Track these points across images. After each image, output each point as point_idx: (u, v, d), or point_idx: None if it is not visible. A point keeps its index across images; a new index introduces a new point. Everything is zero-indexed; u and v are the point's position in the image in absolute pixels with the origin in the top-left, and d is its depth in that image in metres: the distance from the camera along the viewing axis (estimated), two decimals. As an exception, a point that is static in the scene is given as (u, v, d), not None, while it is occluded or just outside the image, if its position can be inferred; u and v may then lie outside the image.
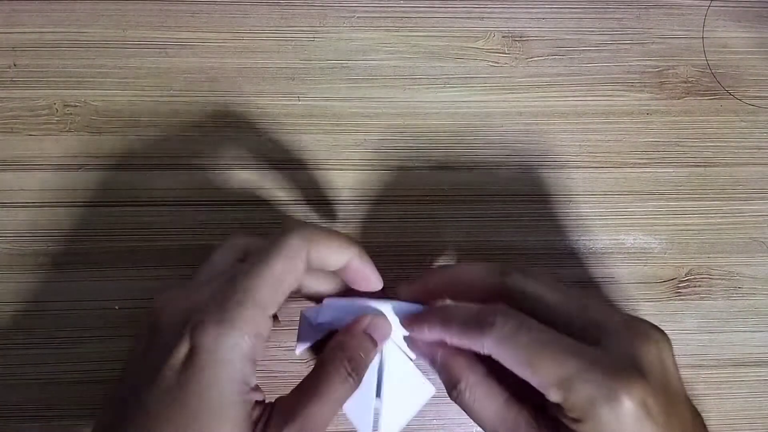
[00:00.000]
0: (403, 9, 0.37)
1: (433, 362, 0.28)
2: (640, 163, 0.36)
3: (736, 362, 0.35)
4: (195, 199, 0.35)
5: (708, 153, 0.37)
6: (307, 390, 0.25)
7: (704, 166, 0.37)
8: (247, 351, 0.23)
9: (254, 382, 0.24)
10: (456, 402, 0.27)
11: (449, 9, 0.37)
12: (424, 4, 0.37)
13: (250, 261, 0.25)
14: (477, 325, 0.25)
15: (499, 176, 0.36)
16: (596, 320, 0.25)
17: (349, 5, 0.37)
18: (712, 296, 0.35)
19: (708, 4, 0.38)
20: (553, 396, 0.23)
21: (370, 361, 0.27)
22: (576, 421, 0.23)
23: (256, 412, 0.24)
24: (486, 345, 0.24)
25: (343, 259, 0.27)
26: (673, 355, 0.25)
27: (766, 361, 0.35)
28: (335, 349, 0.26)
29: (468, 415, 0.26)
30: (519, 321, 0.24)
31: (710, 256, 0.36)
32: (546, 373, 0.23)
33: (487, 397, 0.26)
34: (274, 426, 0.24)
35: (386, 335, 0.28)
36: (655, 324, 0.25)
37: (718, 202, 0.36)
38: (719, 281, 0.36)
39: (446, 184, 0.36)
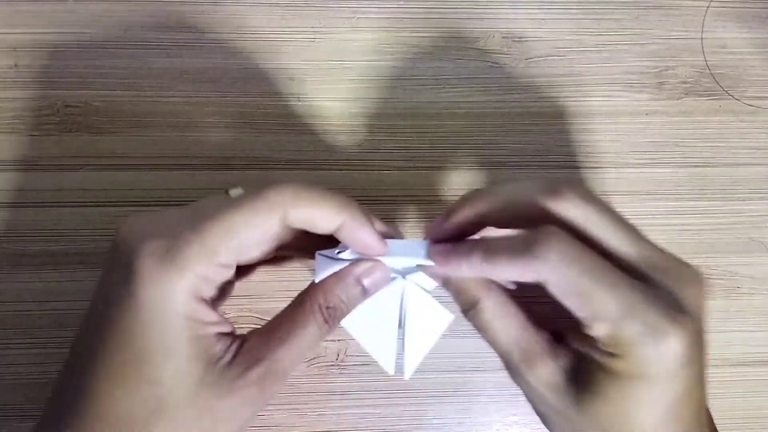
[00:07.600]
0: (403, 9, 0.37)
1: (447, 283, 0.26)
2: (639, 163, 0.36)
3: (736, 362, 0.35)
4: (195, 199, 0.34)
5: (707, 153, 0.37)
6: (278, 332, 0.24)
7: (703, 166, 0.37)
8: (191, 288, 0.22)
9: (213, 317, 0.23)
10: (472, 321, 0.26)
11: (449, 9, 0.37)
12: (425, 4, 0.37)
13: (220, 205, 0.23)
14: (527, 248, 0.22)
15: (499, 176, 0.36)
16: (647, 256, 0.23)
17: (349, 5, 0.37)
18: (711, 296, 0.35)
19: (707, 5, 0.38)
20: (597, 330, 0.22)
21: (352, 309, 0.26)
22: (612, 356, 0.22)
23: (220, 346, 0.23)
24: (538, 269, 0.22)
25: (333, 223, 0.24)
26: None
27: (766, 360, 0.35)
28: (317, 293, 0.25)
29: (482, 335, 0.26)
30: (576, 245, 0.22)
31: (709, 255, 0.36)
32: (599, 305, 0.22)
33: (505, 317, 0.25)
34: (237, 365, 0.23)
35: (381, 285, 0.26)
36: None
37: (717, 202, 0.36)
38: (718, 281, 0.36)
39: (446, 184, 0.36)
